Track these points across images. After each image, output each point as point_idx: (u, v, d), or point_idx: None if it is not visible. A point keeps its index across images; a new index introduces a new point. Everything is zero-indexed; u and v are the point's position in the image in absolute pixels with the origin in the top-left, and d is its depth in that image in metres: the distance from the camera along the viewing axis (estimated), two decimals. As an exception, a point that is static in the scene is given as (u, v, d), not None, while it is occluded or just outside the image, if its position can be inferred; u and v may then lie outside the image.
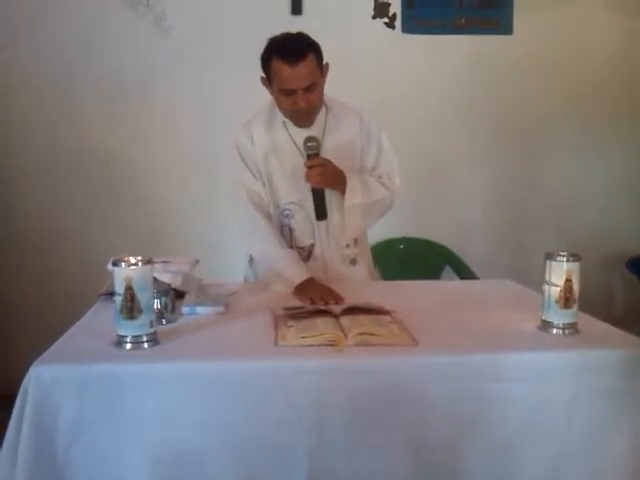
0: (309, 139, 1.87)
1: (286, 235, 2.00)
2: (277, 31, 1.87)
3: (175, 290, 1.64)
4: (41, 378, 1.26)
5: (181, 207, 2.95)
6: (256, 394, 1.32)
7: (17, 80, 2.84)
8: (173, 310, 1.58)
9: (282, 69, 1.80)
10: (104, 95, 2.87)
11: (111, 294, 1.75)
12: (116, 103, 2.87)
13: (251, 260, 2.10)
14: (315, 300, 1.72)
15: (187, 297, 1.70)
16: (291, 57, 1.78)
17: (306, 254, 1.99)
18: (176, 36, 2.90)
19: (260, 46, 1.86)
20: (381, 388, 1.35)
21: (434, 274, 2.89)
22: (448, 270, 2.93)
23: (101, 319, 1.58)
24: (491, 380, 1.37)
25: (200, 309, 1.64)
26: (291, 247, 1.98)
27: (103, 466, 1.26)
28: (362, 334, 1.41)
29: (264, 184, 1.98)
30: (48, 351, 1.35)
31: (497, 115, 3.18)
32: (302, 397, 1.32)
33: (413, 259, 2.83)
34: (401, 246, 2.79)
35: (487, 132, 3.20)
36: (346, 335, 1.41)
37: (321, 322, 1.49)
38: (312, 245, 2.00)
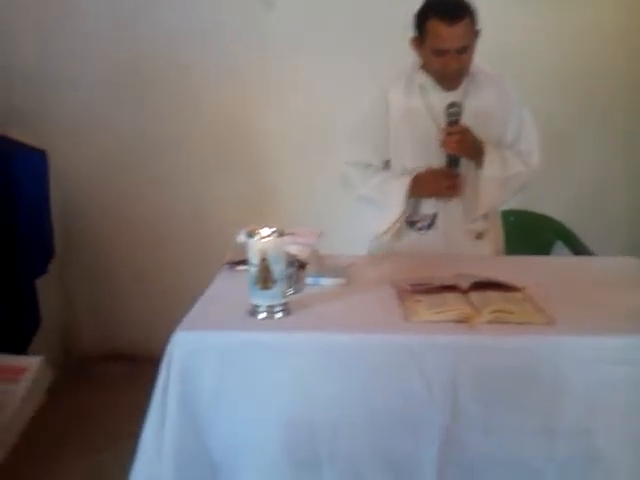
0: (452, 104, 1.85)
1: (410, 201, 1.97)
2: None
3: (297, 261, 1.66)
4: (184, 344, 1.31)
5: (292, 179, 2.97)
6: (388, 368, 1.32)
7: (137, 59, 2.91)
8: (297, 281, 1.61)
9: (439, 28, 1.79)
10: (218, 68, 2.91)
11: (236, 264, 1.82)
12: (229, 73, 2.91)
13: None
14: (444, 192, 1.85)
15: (308, 268, 1.72)
16: (449, 17, 1.78)
17: (428, 223, 1.96)
18: (285, 14, 2.88)
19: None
20: (515, 368, 1.32)
21: (544, 250, 2.78)
22: (557, 246, 2.81)
23: (229, 288, 1.63)
24: (633, 364, 1.31)
25: (323, 280, 1.66)
26: (413, 215, 1.97)
27: (242, 431, 1.31)
28: (497, 312, 1.37)
29: (390, 149, 1.97)
30: (187, 319, 1.40)
31: (614, 84, 2.99)
32: (435, 373, 1.31)
33: (523, 233, 2.73)
34: (511, 218, 2.70)
35: (604, 101, 3.01)
36: (478, 312, 1.38)
37: (450, 298, 1.47)
38: (435, 215, 1.97)
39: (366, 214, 2.00)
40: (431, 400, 1.31)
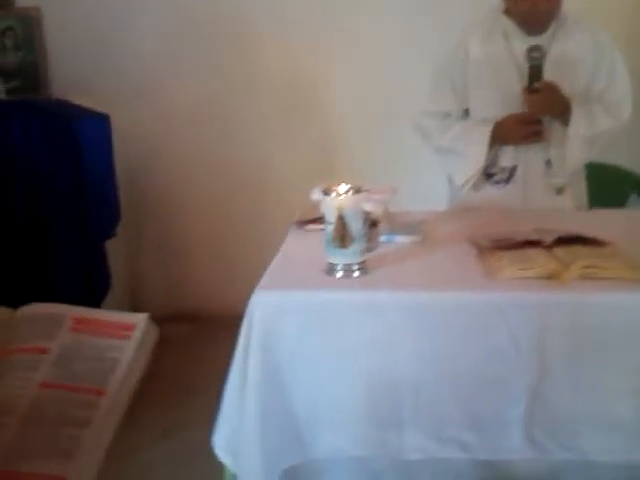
0: (533, 48, 1.76)
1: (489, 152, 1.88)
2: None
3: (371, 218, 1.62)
4: (264, 304, 1.30)
5: (359, 133, 2.90)
6: (473, 326, 1.28)
7: (198, 12, 2.88)
8: (372, 239, 1.57)
9: None
10: (282, 21, 2.85)
11: (306, 223, 1.80)
12: (293, 26, 2.84)
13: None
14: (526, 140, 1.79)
15: (382, 226, 1.68)
16: None
17: (506, 176, 1.89)
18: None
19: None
20: (607, 326, 1.26)
21: (619, 203, 2.65)
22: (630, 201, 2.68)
23: (301, 247, 1.61)
24: None
25: (398, 238, 1.62)
26: (491, 167, 1.89)
27: (324, 390, 1.31)
28: (587, 267, 1.31)
29: (470, 97, 1.90)
30: (265, 278, 1.39)
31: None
32: (522, 331, 1.26)
33: (597, 186, 2.61)
34: (586, 171, 2.58)
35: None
36: (567, 267, 1.32)
37: (534, 253, 1.41)
38: (514, 167, 1.89)
39: (445, 166, 1.94)
40: (518, 359, 1.27)
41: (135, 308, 3.08)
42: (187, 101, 2.94)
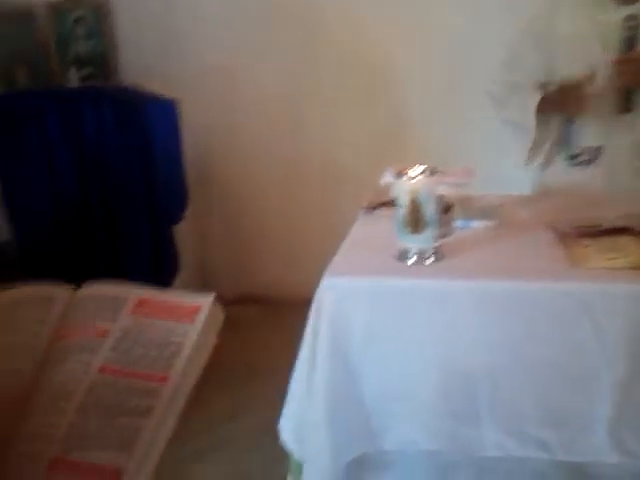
0: (630, 17, 1.64)
1: (567, 131, 1.78)
2: None
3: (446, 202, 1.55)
4: (334, 289, 1.26)
5: (429, 112, 2.82)
6: (555, 318, 1.20)
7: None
8: (446, 224, 1.50)
9: None
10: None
11: (375, 207, 1.75)
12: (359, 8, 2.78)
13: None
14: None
15: (456, 209, 1.61)
16: None
17: (590, 158, 1.76)
18: None
19: None
20: None
21: None
22: None
23: (371, 232, 1.55)
24: None
25: (473, 223, 1.55)
26: (573, 147, 1.78)
27: (395, 378, 1.26)
28: (684, 256, 1.21)
29: (549, 68, 1.78)
30: (334, 263, 1.35)
31: None
32: (609, 324, 1.18)
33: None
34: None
35: None
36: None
37: (623, 241, 1.31)
38: (599, 148, 1.76)
39: (513, 139, 1.83)
40: (603, 353, 1.18)
41: (203, 291, 3.12)
42: (253, 86, 2.92)
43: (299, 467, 1.28)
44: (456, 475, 1.30)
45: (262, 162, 2.97)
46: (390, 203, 1.53)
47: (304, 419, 1.26)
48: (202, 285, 3.11)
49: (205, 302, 0.71)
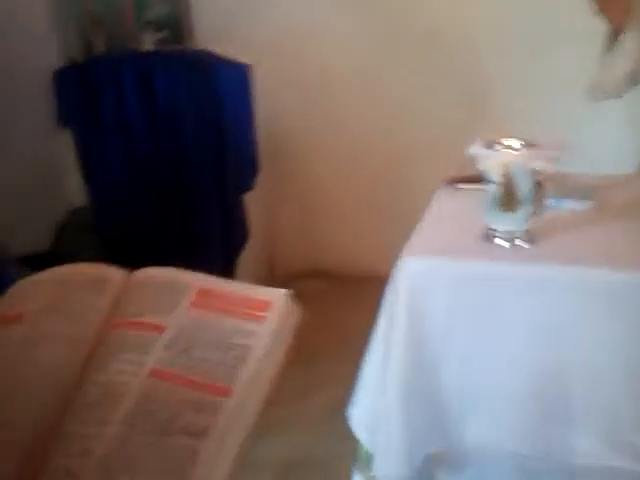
0: None
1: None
2: None
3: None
4: (412, 271, 1.16)
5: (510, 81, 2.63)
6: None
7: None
8: (538, 203, 1.36)
9: None
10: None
11: (458, 182, 1.62)
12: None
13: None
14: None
15: (548, 187, 1.46)
16: None
17: None
18: None
19: None
20: None
21: None
22: None
23: (453, 210, 1.43)
24: None
25: (567, 202, 1.40)
26: None
27: (477, 372, 1.15)
28: None
29: None
30: (413, 243, 1.24)
31: None
32: None
33: None
34: None
35: None
36: None
37: None
38: None
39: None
40: None
41: (270, 265, 3.08)
42: (329, 55, 2.81)
43: (368, 457, 1.20)
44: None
45: (336, 133, 2.87)
46: (474, 178, 1.40)
47: (376, 409, 1.17)
48: (269, 256, 3.07)
49: (278, 297, 0.58)
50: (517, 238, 1.19)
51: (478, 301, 1.14)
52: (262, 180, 2.70)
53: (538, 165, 1.30)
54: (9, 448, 0.52)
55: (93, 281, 0.62)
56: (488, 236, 1.21)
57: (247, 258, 2.63)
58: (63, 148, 2.53)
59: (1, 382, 0.56)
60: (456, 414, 1.17)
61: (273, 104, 2.79)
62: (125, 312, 0.59)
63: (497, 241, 1.19)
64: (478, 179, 1.34)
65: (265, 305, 0.57)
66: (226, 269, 2.53)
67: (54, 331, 0.58)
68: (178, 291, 0.59)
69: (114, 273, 0.63)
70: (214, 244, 2.52)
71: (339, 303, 2.72)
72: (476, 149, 1.29)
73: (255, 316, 0.56)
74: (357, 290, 2.57)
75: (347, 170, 2.89)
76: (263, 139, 2.64)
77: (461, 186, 1.55)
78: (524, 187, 1.17)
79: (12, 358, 0.57)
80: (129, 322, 0.58)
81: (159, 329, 0.57)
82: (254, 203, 2.70)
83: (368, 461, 1.20)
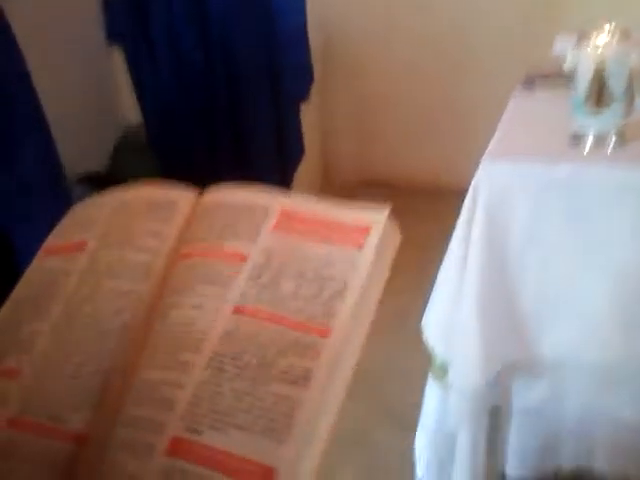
0: None
1: None
2: None
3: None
4: (492, 178, 1.10)
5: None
6: None
7: None
8: (629, 101, 1.26)
9: None
10: None
11: (539, 80, 1.51)
12: None
13: None
14: None
15: (636, 84, 1.34)
16: None
17: None
18: None
19: None
20: None
21: None
22: None
23: (533, 111, 1.34)
24: None
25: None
26: None
27: (560, 279, 1.11)
28: None
29: None
30: (492, 148, 1.17)
31: None
32: None
33: None
34: None
35: None
36: None
37: None
38: None
39: None
40: None
41: (326, 176, 3.03)
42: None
43: (443, 368, 1.18)
44: (620, 391, 1.16)
45: (394, 36, 2.71)
46: (557, 75, 1.31)
47: (451, 319, 1.15)
48: (324, 169, 3.02)
49: (378, 218, 0.48)
50: (608, 140, 1.10)
51: (564, 206, 1.07)
52: (315, 90, 2.61)
53: (635, 59, 1.20)
54: (76, 397, 0.46)
55: (158, 204, 0.54)
56: (575, 138, 1.12)
57: (301, 170, 2.58)
58: (117, 66, 2.49)
59: (64, 321, 0.50)
60: (535, 323, 1.14)
61: (326, 9, 2.65)
62: (198, 239, 0.51)
63: (586, 143, 1.11)
64: (559, 77, 1.24)
65: (363, 228, 0.48)
66: (282, 185, 2.50)
67: (118, 261, 0.51)
68: (258, 213, 0.50)
69: (182, 194, 0.54)
70: (269, 159, 2.47)
71: (398, 214, 2.67)
72: (563, 43, 1.18)
73: (352, 242, 0.47)
74: (415, 201, 2.52)
75: (407, 75, 2.75)
76: (316, 47, 2.53)
77: (540, 86, 1.44)
78: (618, 84, 1.07)
79: (77, 292, 0.51)
80: (204, 250, 0.50)
81: (240, 258, 0.48)
82: (308, 114, 2.63)
83: (443, 371, 1.19)
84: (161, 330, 0.47)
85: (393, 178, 2.83)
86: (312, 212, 0.50)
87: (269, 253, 0.48)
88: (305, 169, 2.61)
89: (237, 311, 0.46)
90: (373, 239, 0.47)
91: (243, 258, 0.48)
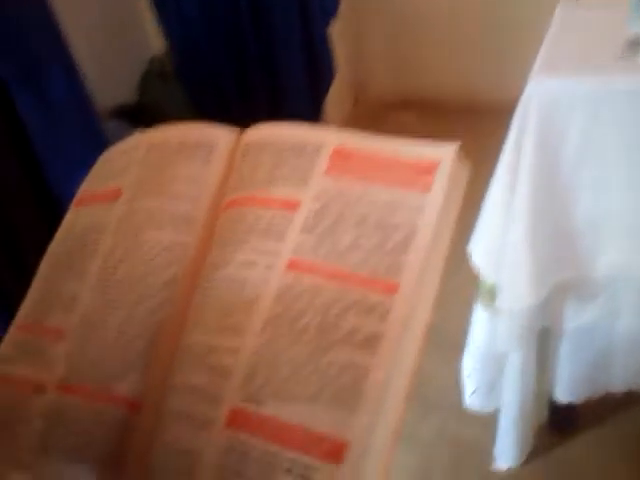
0: None
1: None
2: None
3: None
4: (543, 93, 1.04)
5: None
6: None
7: None
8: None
9: None
10: None
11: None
12: None
13: None
14: None
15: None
16: None
17: None
18: None
19: None
20: None
21: None
22: None
23: (580, 23, 1.25)
24: None
25: None
26: None
27: (612, 198, 1.07)
28: None
29: None
30: (540, 63, 1.11)
31: None
32: None
33: None
34: None
35: None
36: None
37: None
38: None
39: None
40: None
41: (358, 96, 2.94)
42: None
43: (491, 291, 1.18)
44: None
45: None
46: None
47: (501, 242, 1.13)
48: (355, 89, 2.93)
49: (445, 155, 0.41)
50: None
51: (620, 120, 1.02)
52: (348, 6, 2.49)
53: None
54: (122, 361, 0.43)
55: (195, 146, 0.49)
56: (630, 48, 1.06)
57: (332, 92, 2.50)
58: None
59: (103, 280, 0.46)
60: (587, 243, 1.11)
61: None
62: (242, 185, 0.45)
63: (643, 51, 1.04)
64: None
65: (429, 167, 0.41)
66: (314, 110, 2.44)
67: (156, 212, 0.47)
68: (309, 154, 0.44)
69: (220, 135, 0.49)
70: (300, 82, 2.41)
71: (431, 133, 2.60)
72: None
73: (418, 183, 0.41)
74: (452, 122, 2.44)
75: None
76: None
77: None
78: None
79: (114, 249, 0.47)
80: (250, 198, 0.44)
81: (291, 206, 0.43)
82: (338, 31, 2.53)
83: (491, 296, 1.18)
84: (208, 290, 0.43)
85: (429, 98, 2.74)
86: (370, 150, 0.44)
87: (324, 199, 0.42)
88: (337, 91, 2.53)
89: (292, 267, 0.41)
90: (441, 179, 0.41)
91: (295, 206, 0.43)
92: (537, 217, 1.08)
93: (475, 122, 2.37)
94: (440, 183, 0.41)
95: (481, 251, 1.17)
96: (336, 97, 2.54)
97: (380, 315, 0.38)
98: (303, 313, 0.39)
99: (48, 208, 1.34)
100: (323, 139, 0.45)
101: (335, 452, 0.36)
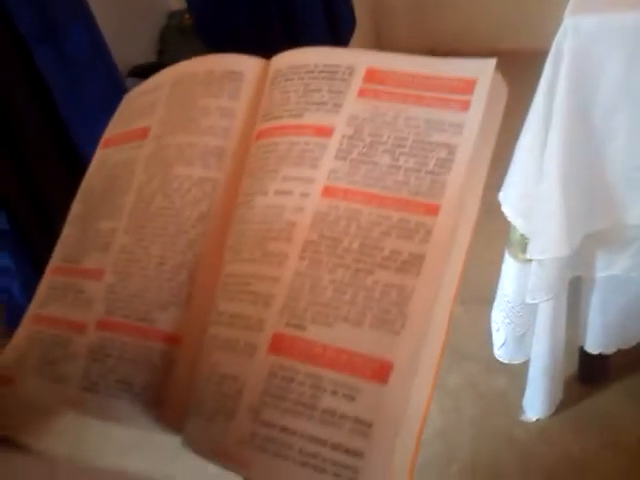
0: None
1: None
2: None
3: None
4: (578, 33, 0.99)
5: None
6: None
7: None
8: None
9: None
10: None
11: None
12: None
13: None
14: None
15: None
16: None
17: None
18: None
19: None
20: None
21: None
22: None
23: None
24: None
25: None
26: None
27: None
28: None
29: None
30: (574, 1, 1.06)
31: None
32: None
33: None
34: None
35: None
36: None
37: None
38: None
39: None
40: None
41: (380, 45, 2.87)
42: None
43: (522, 241, 1.15)
44: None
45: None
46: None
47: (532, 190, 1.10)
48: (377, 42, 2.86)
49: (485, 71, 0.40)
50: None
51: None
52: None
53: None
54: (161, 295, 0.43)
55: (222, 76, 0.47)
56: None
57: (352, 43, 2.45)
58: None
59: (138, 215, 0.46)
60: (621, 192, 1.08)
61: None
62: (272, 114, 0.44)
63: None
64: None
65: (467, 84, 0.40)
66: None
67: (187, 146, 0.46)
68: (340, 76, 0.43)
69: (247, 63, 0.47)
70: (319, 33, 2.35)
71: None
72: None
73: (456, 101, 0.40)
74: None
75: None
76: None
77: None
78: None
79: (147, 184, 0.47)
80: (282, 126, 0.43)
81: (325, 132, 0.42)
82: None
83: (522, 246, 1.16)
84: (245, 220, 0.42)
85: (452, 44, 2.65)
86: (404, 69, 0.42)
87: (358, 123, 0.41)
88: (356, 41, 2.47)
89: (326, 194, 0.40)
90: (480, 96, 0.40)
91: (328, 132, 0.42)
92: (570, 166, 1.05)
93: (506, 66, 2.30)
94: (478, 100, 0.40)
95: (512, 200, 1.15)
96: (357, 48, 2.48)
97: (422, 237, 0.37)
98: (342, 238, 0.39)
99: (70, 161, 1.34)
100: (355, 60, 0.43)
101: (380, 373, 0.35)
